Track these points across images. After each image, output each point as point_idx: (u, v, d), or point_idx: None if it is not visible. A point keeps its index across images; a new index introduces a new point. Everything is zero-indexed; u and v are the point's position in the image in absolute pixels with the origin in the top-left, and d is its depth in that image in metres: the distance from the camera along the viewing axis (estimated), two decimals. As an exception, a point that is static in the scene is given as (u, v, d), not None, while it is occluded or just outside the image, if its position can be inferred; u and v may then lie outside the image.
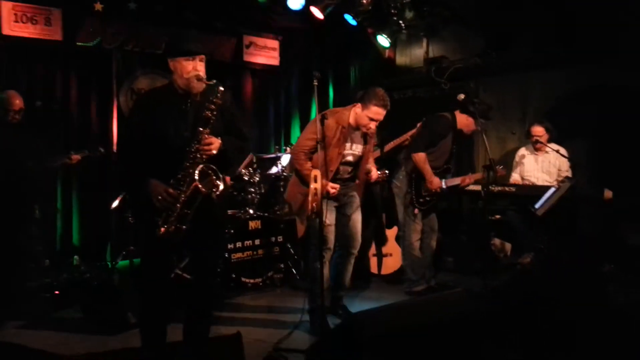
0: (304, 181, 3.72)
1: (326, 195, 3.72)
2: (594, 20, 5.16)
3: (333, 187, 3.70)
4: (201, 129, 2.74)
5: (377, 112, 3.67)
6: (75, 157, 4.30)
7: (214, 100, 2.75)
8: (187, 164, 2.72)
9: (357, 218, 3.98)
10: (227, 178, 4.98)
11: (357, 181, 3.98)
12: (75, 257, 5.26)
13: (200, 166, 2.71)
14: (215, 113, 2.75)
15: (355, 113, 3.75)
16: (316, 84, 3.56)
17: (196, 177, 2.68)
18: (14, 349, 1.80)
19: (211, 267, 3.08)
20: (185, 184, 2.70)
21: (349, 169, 3.93)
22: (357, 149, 3.89)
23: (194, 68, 2.78)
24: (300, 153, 3.74)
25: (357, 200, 4.00)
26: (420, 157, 4.40)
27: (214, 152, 2.77)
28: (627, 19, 5.00)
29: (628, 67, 5.00)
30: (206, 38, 5.75)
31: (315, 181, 3.42)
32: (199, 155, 2.74)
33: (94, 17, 5.21)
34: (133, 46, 5.53)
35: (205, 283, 3.02)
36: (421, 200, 4.50)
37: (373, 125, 3.72)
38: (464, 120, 4.51)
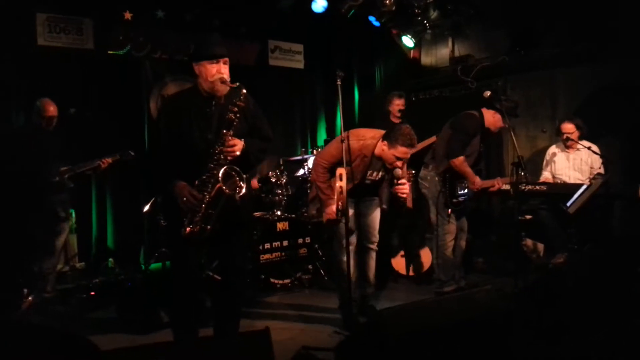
0: (319, 189, 3.78)
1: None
2: (622, 15, 5.04)
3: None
4: (225, 131, 2.79)
5: (404, 152, 3.67)
6: (107, 160, 4.42)
7: (237, 102, 2.80)
8: (212, 166, 2.78)
9: (374, 215, 4.01)
10: (255, 182, 5.05)
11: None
12: (110, 259, 5.39)
13: (224, 168, 2.77)
14: (238, 115, 2.81)
15: (382, 150, 3.74)
16: (339, 82, 3.59)
17: (220, 179, 2.73)
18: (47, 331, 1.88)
19: (238, 266, 3.13)
20: (210, 185, 2.76)
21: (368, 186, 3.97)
22: (376, 175, 3.91)
23: (218, 71, 2.83)
24: (319, 166, 3.79)
25: (376, 200, 4.03)
26: (460, 160, 4.33)
27: (238, 153, 2.83)
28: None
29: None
30: (231, 43, 5.83)
31: (341, 179, 3.45)
32: (222, 157, 2.79)
33: (123, 26, 5.37)
34: (162, 53, 5.66)
35: (232, 282, 3.09)
36: (454, 200, 4.45)
37: (399, 163, 3.71)
38: (490, 118, 4.45)
